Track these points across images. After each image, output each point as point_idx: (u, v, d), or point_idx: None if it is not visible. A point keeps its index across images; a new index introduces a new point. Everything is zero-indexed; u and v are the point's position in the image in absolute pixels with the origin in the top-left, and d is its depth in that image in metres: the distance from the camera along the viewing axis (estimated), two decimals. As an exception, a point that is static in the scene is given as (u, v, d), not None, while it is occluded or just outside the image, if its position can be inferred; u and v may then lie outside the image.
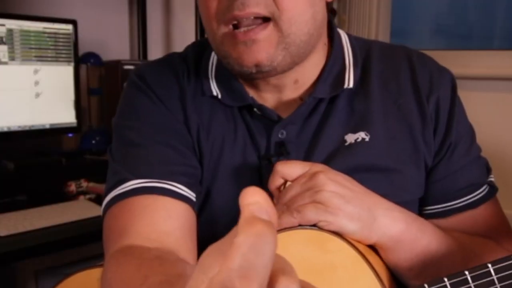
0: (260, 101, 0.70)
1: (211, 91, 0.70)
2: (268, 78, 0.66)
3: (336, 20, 2.18)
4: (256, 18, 0.61)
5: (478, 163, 0.73)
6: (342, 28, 2.22)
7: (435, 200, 0.71)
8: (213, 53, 0.73)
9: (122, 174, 0.66)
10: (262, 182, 0.67)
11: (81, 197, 1.48)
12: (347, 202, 0.58)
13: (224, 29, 0.62)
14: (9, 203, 1.39)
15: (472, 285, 0.53)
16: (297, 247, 0.57)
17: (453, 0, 2.19)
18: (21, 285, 1.61)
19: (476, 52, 1.96)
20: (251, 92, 0.70)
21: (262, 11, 0.60)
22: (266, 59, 0.61)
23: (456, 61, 1.91)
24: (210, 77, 0.71)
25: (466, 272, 0.54)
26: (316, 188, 0.58)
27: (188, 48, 0.77)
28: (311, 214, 0.57)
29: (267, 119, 0.69)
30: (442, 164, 0.70)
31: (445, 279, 0.54)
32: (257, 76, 0.65)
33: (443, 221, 0.71)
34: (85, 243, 1.31)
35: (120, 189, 0.65)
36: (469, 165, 0.71)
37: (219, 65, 0.71)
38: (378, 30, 2.15)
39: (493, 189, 0.73)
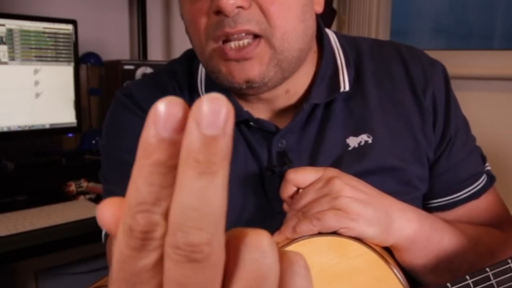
0: (254, 113, 0.68)
1: None
2: (258, 94, 0.65)
3: (336, 20, 2.18)
4: (247, 34, 0.59)
5: (475, 152, 0.74)
6: (342, 28, 2.22)
7: (439, 194, 0.72)
8: (200, 67, 0.71)
9: (120, 193, 0.63)
10: (266, 193, 0.66)
11: (81, 197, 1.48)
12: (366, 207, 0.57)
13: (213, 44, 0.60)
14: (9, 203, 1.39)
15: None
16: (320, 255, 0.56)
17: (453, 0, 2.19)
18: (21, 285, 1.61)
19: (476, 52, 1.96)
20: (245, 106, 0.68)
21: (254, 28, 0.58)
22: (258, 76, 0.60)
23: (456, 61, 1.91)
24: (200, 92, 0.70)
25: (467, 277, 0.54)
26: (334, 194, 0.56)
27: (174, 63, 0.75)
28: (332, 221, 0.55)
29: (265, 131, 0.68)
30: (443, 157, 0.70)
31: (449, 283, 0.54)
32: (248, 91, 0.63)
33: (448, 214, 0.72)
34: (85, 243, 1.31)
35: None
36: (468, 155, 0.72)
37: (208, 78, 0.70)
38: (378, 30, 2.15)
39: (491, 178, 0.74)
